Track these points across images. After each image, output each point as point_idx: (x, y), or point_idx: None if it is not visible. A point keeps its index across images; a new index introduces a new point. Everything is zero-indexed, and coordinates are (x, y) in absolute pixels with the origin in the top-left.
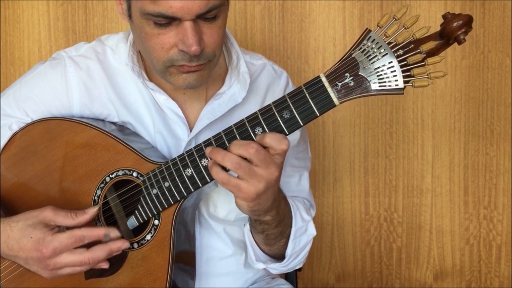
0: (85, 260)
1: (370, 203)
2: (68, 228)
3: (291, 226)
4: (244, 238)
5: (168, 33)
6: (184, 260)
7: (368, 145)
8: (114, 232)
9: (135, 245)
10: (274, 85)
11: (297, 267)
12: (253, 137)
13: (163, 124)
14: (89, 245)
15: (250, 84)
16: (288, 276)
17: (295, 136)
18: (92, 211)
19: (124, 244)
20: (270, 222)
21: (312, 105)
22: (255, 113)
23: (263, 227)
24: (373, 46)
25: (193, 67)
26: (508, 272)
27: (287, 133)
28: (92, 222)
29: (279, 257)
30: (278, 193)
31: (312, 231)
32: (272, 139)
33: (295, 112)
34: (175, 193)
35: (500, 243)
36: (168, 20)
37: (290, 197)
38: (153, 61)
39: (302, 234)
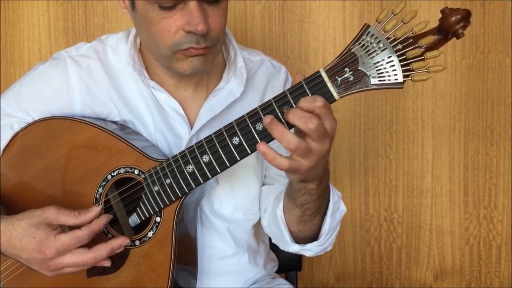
0: (87, 260)
1: (370, 203)
2: (70, 227)
3: (328, 201)
4: (247, 238)
5: (174, 16)
6: (186, 258)
7: (368, 145)
8: (108, 217)
9: (137, 242)
10: (274, 79)
11: (328, 249)
12: (254, 133)
13: (163, 122)
14: (90, 243)
15: (248, 80)
16: (288, 276)
17: None
18: (95, 210)
19: (124, 241)
20: (313, 192)
21: None
22: (256, 108)
23: (305, 198)
24: (372, 41)
25: (200, 49)
26: (508, 272)
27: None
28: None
29: (307, 240)
30: (327, 163)
31: (343, 207)
32: (305, 102)
33: None
34: (177, 189)
35: (500, 243)
36: (173, 3)
37: None
38: (160, 47)
39: (337, 210)
